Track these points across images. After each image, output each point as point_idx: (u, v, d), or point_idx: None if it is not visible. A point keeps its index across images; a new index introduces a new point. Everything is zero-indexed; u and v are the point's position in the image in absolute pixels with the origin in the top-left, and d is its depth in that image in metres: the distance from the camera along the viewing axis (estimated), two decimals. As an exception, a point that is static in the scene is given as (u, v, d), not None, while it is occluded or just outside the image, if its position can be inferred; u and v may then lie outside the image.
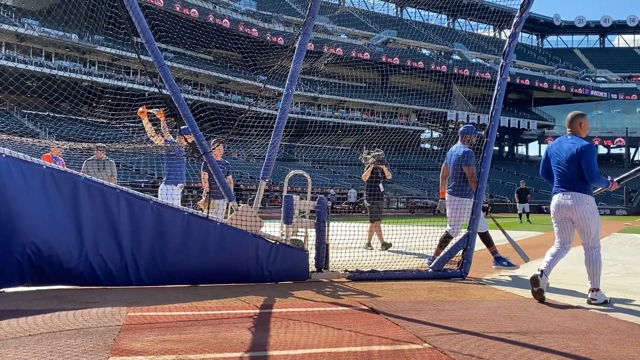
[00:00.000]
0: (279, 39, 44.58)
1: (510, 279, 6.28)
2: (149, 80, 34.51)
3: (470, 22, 67.74)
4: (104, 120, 20.62)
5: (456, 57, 60.14)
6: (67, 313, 3.96)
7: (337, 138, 35.93)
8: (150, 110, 7.58)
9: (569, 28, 73.61)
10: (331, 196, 32.61)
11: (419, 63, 51.04)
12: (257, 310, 4.27)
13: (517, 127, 63.23)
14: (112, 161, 9.47)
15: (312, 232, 6.00)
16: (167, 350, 3.08)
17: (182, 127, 5.94)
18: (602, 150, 67.60)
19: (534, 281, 4.80)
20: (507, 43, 6.50)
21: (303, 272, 5.68)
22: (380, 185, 9.83)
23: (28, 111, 34.16)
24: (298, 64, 5.86)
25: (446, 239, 6.61)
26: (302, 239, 6.05)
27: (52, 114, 31.30)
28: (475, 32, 67.65)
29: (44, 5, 30.03)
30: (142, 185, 25.83)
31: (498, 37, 66.50)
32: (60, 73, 33.99)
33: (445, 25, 66.94)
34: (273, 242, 5.60)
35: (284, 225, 5.95)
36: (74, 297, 4.60)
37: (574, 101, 66.76)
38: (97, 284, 5.03)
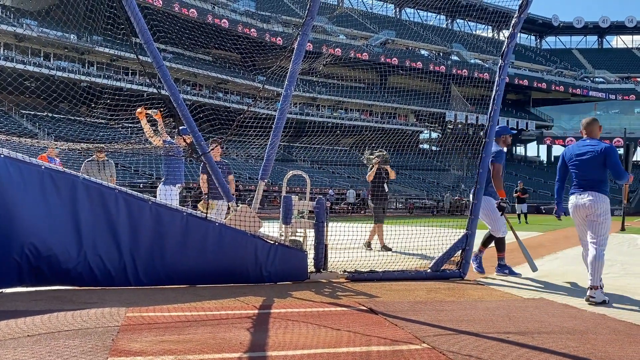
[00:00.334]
0: (277, 39, 44.53)
1: (509, 279, 6.28)
2: (147, 80, 34.49)
3: (469, 22, 67.76)
4: (103, 121, 20.60)
5: (455, 57, 60.12)
6: (65, 314, 3.96)
7: (336, 138, 35.88)
8: (148, 112, 7.58)
9: (568, 29, 73.68)
10: (330, 196, 32.57)
11: (418, 63, 51.01)
12: (256, 311, 4.28)
13: (515, 127, 63.25)
14: (111, 162, 9.46)
15: (310, 233, 5.99)
16: (165, 350, 3.08)
17: (181, 127, 5.94)
18: (601, 150, 67.50)
19: (602, 303, 4.79)
20: (505, 44, 6.52)
21: (302, 273, 5.68)
22: (385, 186, 9.83)
23: (26, 111, 34.12)
24: (297, 64, 5.87)
25: (488, 239, 6.72)
26: (301, 239, 6.06)
27: (50, 115, 31.29)
28: (474, 32, 67.64)
29: (42, 5, 29.95)
30: (141, 185, 25.78)
31: (496, 37, 66.49)
32: (59, 73, 33.86)
33: (444, 25, 66.97)
34: (272, 242, 5.60)
35: (283, 226, 5.95)
36: (73, 298, 4.59)
37: (572, 102, 66.80)
38: (95, 285, 5.02)
